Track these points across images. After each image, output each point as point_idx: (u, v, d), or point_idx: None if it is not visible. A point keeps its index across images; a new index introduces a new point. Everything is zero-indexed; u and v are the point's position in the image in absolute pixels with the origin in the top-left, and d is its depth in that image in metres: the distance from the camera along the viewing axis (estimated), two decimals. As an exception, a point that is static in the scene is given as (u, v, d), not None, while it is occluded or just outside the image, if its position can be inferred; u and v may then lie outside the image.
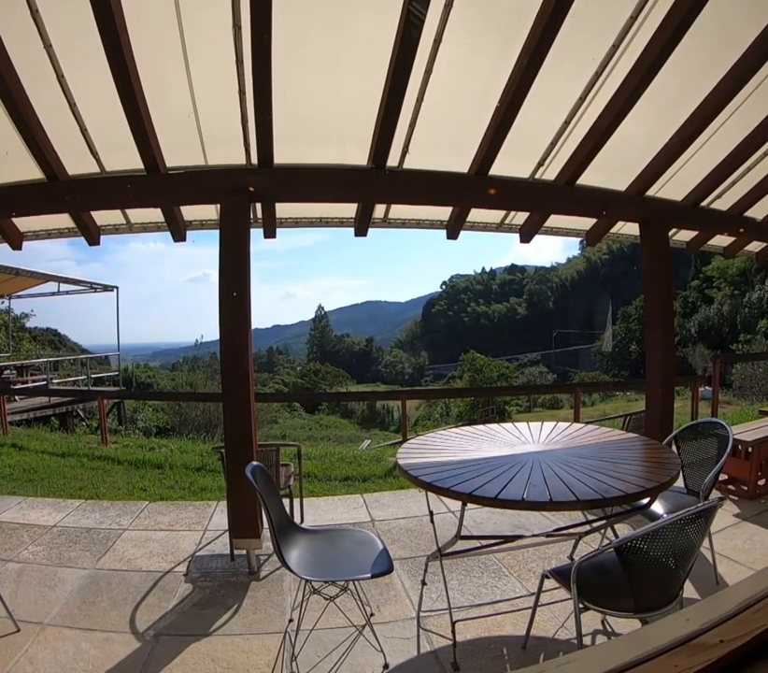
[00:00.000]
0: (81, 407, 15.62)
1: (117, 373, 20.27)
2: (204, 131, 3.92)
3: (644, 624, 2.42)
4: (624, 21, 3.35)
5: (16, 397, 13.07)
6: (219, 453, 4.33)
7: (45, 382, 15.54)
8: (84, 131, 3.78)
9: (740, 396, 21.95)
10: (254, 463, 2.90)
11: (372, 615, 3.21)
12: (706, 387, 10.61)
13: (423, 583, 3.41)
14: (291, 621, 3.24)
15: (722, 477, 4.92)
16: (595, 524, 3.42)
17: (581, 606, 2.35)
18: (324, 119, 4.03)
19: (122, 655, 2.94)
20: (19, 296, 18.88)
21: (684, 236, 6.31)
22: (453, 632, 2.88)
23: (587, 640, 2.86)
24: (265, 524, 3.22)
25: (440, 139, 4.24)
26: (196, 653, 2.95)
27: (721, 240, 6.45)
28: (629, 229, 5.84)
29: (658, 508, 3.34)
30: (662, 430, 4.62)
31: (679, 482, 3.22)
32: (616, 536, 3.39)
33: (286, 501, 4.09)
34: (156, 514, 5.12)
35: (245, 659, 2.90)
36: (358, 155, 4.13)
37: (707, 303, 43.19)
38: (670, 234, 5.71)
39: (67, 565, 4.03)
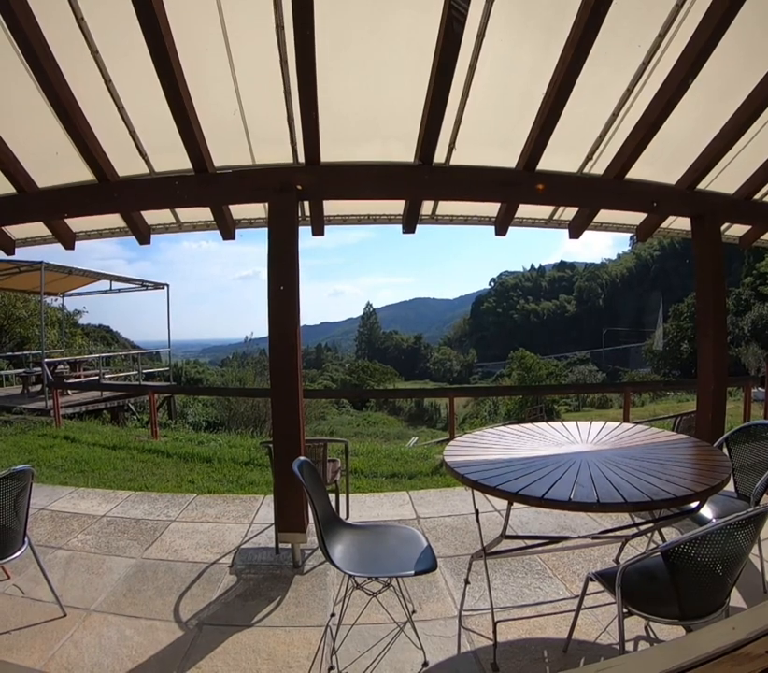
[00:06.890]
0: (132, 401, 16.00)
1: (167, 368, 20.64)
2: (250, 130, 3.98)
3: (688, 632, 2.35)
4: (670, 9, 3.25)
5: (69, 391, 13.48)
6: (267, 448, 4.40)
7: (97, 377, 15.98)
8: (132, 133, 3.89)
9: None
10: (302, 458, 2.94)
11: (414, 612, 3.22)
12: (759, 388, 10.33)
13: (466, 582, 3.39)
14: (332, 615, 3.27)
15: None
16: (642, 527, 3.35)
17: (625, 610, 2.31)
18: (368, 116, 4.04)
19: (165, 642, 3.02)
20: (72, 294, 19.45)
21: (736, 230, 6.09)
22: (494, 632, 2.87)
23: (629, 646, 2.80)
24: (311, 519, 3.26)
25: (487, 135, 4.20)
26: (238, 643, 3.01)
27: (775, 235, 6.22)
28: (680, 224, 5.70)
29: (707, 512, 3.25)
30: (713, 432, 4.49)
31: (730, 486, 3.13)
32: (663, 539, 3.33)
33: (332, 496, 4.13)
34: (203, 507, 5.23)
35: (285, 651, 2.94)
36: (402, 152, 4.12)
37: (761, 300, 41.63)
38: (722, 228, 5.53)
39: (115, 554, 4.16)
